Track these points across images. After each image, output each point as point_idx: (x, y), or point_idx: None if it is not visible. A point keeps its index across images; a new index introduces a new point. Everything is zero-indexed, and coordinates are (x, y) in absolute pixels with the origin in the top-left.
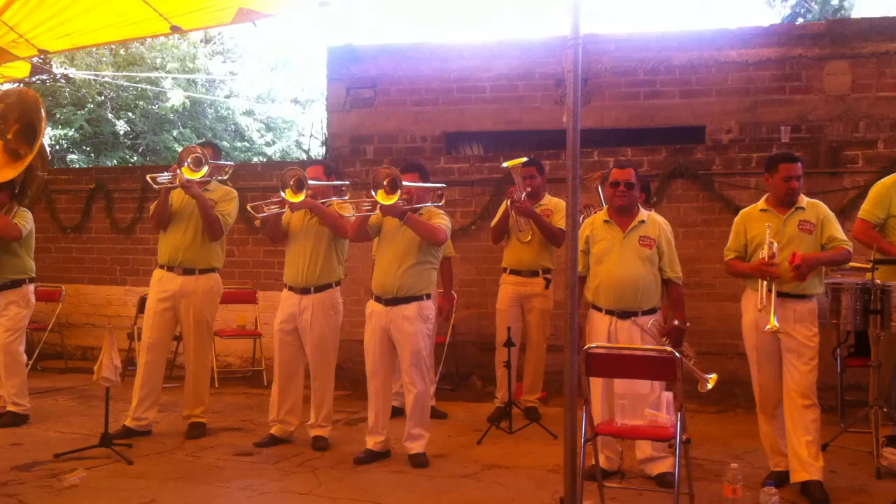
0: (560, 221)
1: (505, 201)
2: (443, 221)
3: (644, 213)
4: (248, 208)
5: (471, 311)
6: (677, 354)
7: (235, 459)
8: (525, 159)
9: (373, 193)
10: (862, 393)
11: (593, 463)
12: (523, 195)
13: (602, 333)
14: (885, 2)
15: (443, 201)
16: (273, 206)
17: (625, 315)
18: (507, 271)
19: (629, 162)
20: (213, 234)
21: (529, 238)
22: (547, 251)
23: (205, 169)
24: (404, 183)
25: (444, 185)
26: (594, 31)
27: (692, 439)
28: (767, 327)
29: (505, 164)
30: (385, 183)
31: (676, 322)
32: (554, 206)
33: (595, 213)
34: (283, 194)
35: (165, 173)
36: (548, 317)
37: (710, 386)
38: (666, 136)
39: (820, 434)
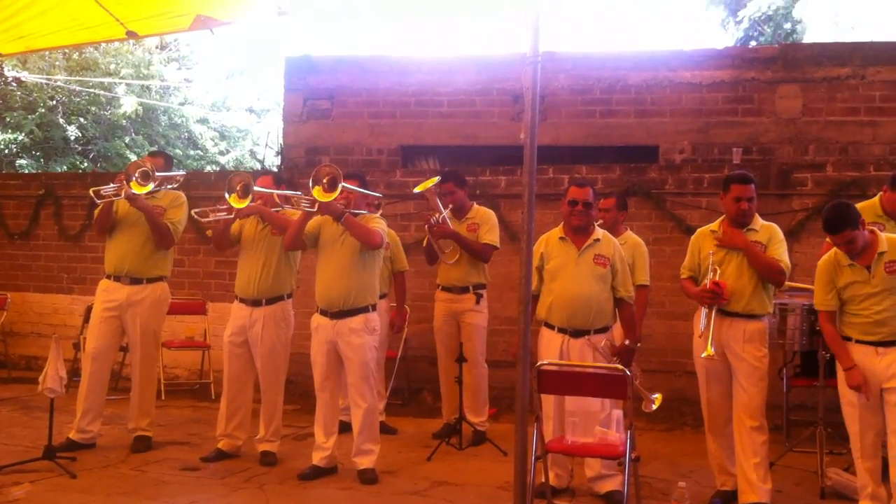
0: (486, 235)
1: (424, 226)
2: (379, 226)
3: (599, 232)
4: (193, 214)
5: (423, 325)
6: (628, 373)
7: (182, 474)
8: (437, 179)
9: (311, 188)
10: (807, 413)
11: (543, 481)
12: (441, 217)
13: (554, 351)
14: (836, 27)
15: (379, 212)
16: (220, 213)
17: (577, 334)
18: (440, 288)
19: (587, 181)
20: (164, 243)
21: (456, 258)
22: (476, 267)
23: (151, 184)
24: (343, 184)
25: (381, 196)
26: (552, 50)
27: (641, 457)
28: (703, 354)
29: (416, 190)
30: (325, 180)
31: (627, 342)
32: (481, 218)
33: (436, 219)
34: (227, 197)
35: (111, 185)
36: (483, 332)
37: (654, 406)
38: (620, 154)
39: (768, 455)
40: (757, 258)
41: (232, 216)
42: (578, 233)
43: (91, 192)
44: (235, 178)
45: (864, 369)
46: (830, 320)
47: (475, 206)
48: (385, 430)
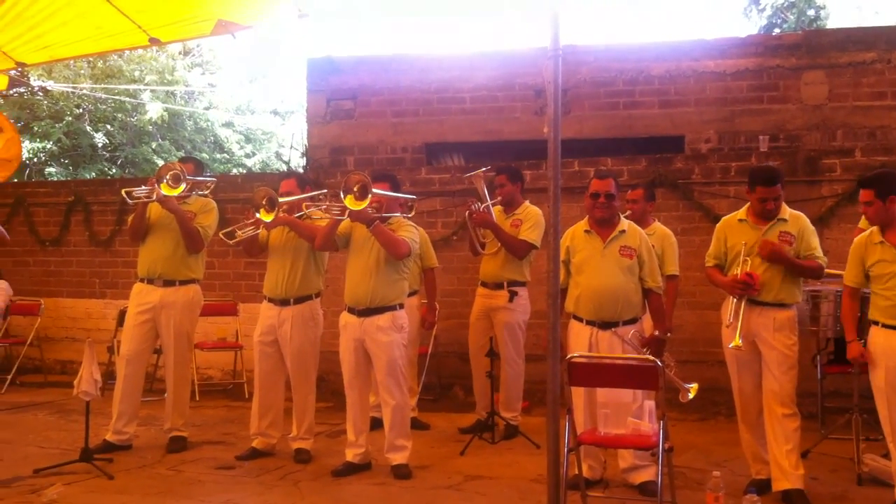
0: (527, 231)
1: (465, 213)
2: (408, 234)
3: (625, 223)
4: (221, 235)
5: (452, 321)
6: (658, 363)
7: (217, 473)
8: (485, 168)
9: (342, 197)
10: (842, 399)
11: (576, 473)
12: (484, 206)
13: (583, 344)
14: (859, 12)
15: (412, 213)
16: (248, 229)
17: (606, 326)
18: (480, 283)
19: (609, 172)
20: (194, 246)
21: (496, 250)
22: (513, 263)
23: (182, 186)
24: (374, 190)
25: (415, 197)
26: (573, 43)
27: (674, 448)
28: (731, 345)
29: (467, 175)
30: (355, 188)
31: (657, 332)
32: (526, 215)
33: (477, 206)
34: (257, 215)
35: (143, 187)
36: (517, 330)
37: (690, 396)
38: (645, 145)
39: (800, 442)
40: (799, 269)
41: (259, 230)
42: (603, 225)
43: (123, 192)
44: (259, 193)
45: (887, 354)
46: (852, 296)
47: (526, 203)
48: (418, 425)
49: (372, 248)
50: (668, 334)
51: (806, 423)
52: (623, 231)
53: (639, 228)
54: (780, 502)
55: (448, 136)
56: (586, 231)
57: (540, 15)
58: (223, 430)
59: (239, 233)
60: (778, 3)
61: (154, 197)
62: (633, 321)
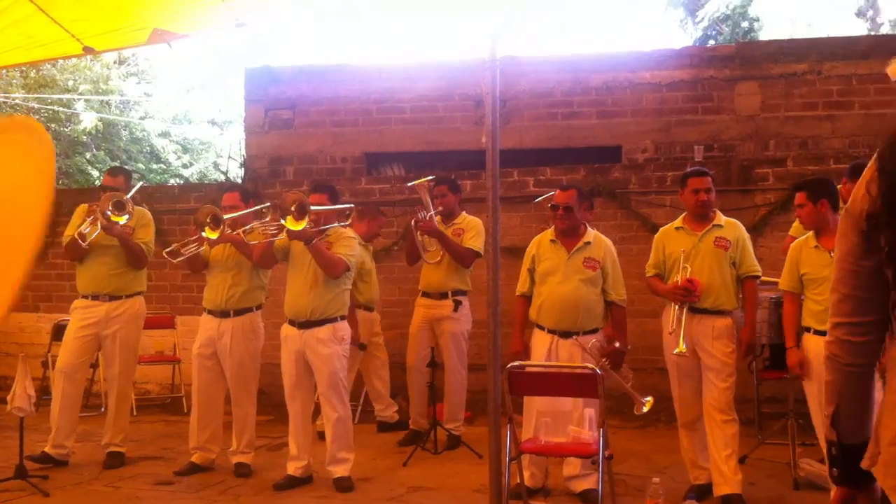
0: (471, 241)
1: (411, 221)
2: (346, 250)
3: (591, 234)
4: (164, 254)
5: (394, 331)
6: (598, 371)
7: (156, 489)
8: (432, 178)
9: (282, 221)
10: (778, 405)
11: (518, 482)
12: (429, 215)
13: (542, 352)
14: (792, 24)
15: (349, 220)
16: (191, 247)
17: (566, 335)
18: (421, 293)
19: (571, 185)
20: (139, 264)
21: (438, 259)
22: (457, 273)
23: (126, 216)
24: (312, 207)
25: (352, 206)
26: (512, 54)
27: (615, 455)
28: (676, 351)
29: (411, 184)
30: (293, 209)
31: (617, 344)
32: (467, 225)
33: (423, 214)
34: (202, 234)
35: (86, 221)
36: (461, 340)
37: (645, 409)
38: (584, 155)
39: (738, 447)
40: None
41: (202, 247)
42: (568, 235)
43: (76, 235)
44: (203, 211)
45: (819, 360)
46: (791, 301)
47: (463, 213)
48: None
49: (311, 260)
50: (629, 347)
51: (743, 428)
52: (588, 243)
53: (606, 241)
54: None
55: (388, 146)
56: (552, 241)
57: (480, 24)
58: (161, 445)
59: (183, 251)
60: (714, 15)
61: (99, 228)
62: (593, 331)
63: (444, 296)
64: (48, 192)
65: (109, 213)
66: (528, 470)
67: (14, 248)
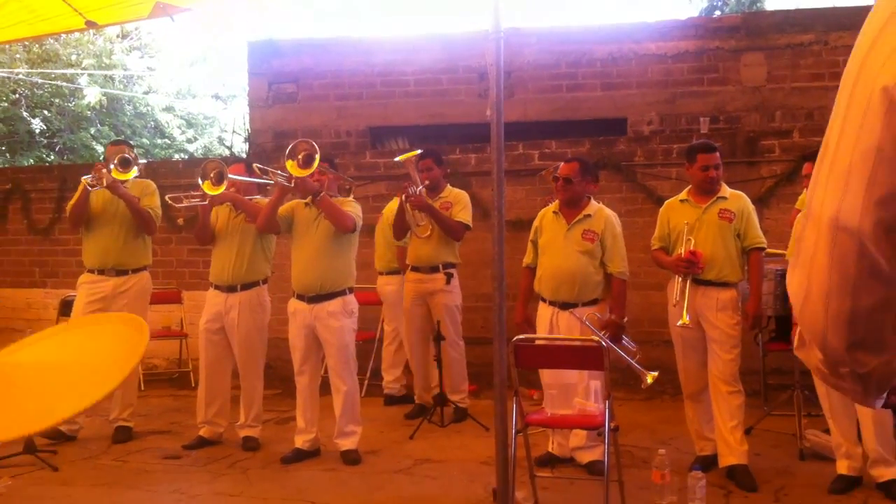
0: (460, 213)
1: (399, 196)
2: (353, 210)
3: (594, 207)
4: (167, 199)
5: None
6: (604, 344)
7: (164, 463)
8: (419, 152)
9: (286, 163)
10: (784, 377)
11: (548, 450)
12: (419, 189)
13: (545, 324)
14: None
15: (351, 195)
16: (194, 199)
17: (565, 306)
18: (409, 268)
19: (575, 157)
20: (148, 229)
21: (428, 233)
22: (448, 246)
23: (134, 170)
24: (319, 162)
25: (352, 180)
26: (516, 25)
27: (620, 427)
28: (679, 323)
29: (398, 159)
30: (300, 156)
31: (614, 316)
32: (454, 198)
33: (414, 189)
34: (201, 185)
35: (90, 175)
36: (455, 312)
37: (649, 382)
38: (588, 128)
39: (744, 418)
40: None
41: (206, 202)
42: (569, 206)
43: (83, 179)
44: (209, 164)
45: None
46: None
47: (449, 186)
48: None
49: (316, 231)
50: (625, 319)
51: (749, 399)
52: (589, 215)
53: (608, 214)
54: (725, 477)
55: (392, 119)
56: (555, 212)
57: None
58: (169, 420)
59: (185, 200)
60: None
61: (104, 183)
62: (592, 303)
63: (434, 269)
64: (128, 367)
65: (114, 166)
66: (555, 440)
67: (88, 384)
